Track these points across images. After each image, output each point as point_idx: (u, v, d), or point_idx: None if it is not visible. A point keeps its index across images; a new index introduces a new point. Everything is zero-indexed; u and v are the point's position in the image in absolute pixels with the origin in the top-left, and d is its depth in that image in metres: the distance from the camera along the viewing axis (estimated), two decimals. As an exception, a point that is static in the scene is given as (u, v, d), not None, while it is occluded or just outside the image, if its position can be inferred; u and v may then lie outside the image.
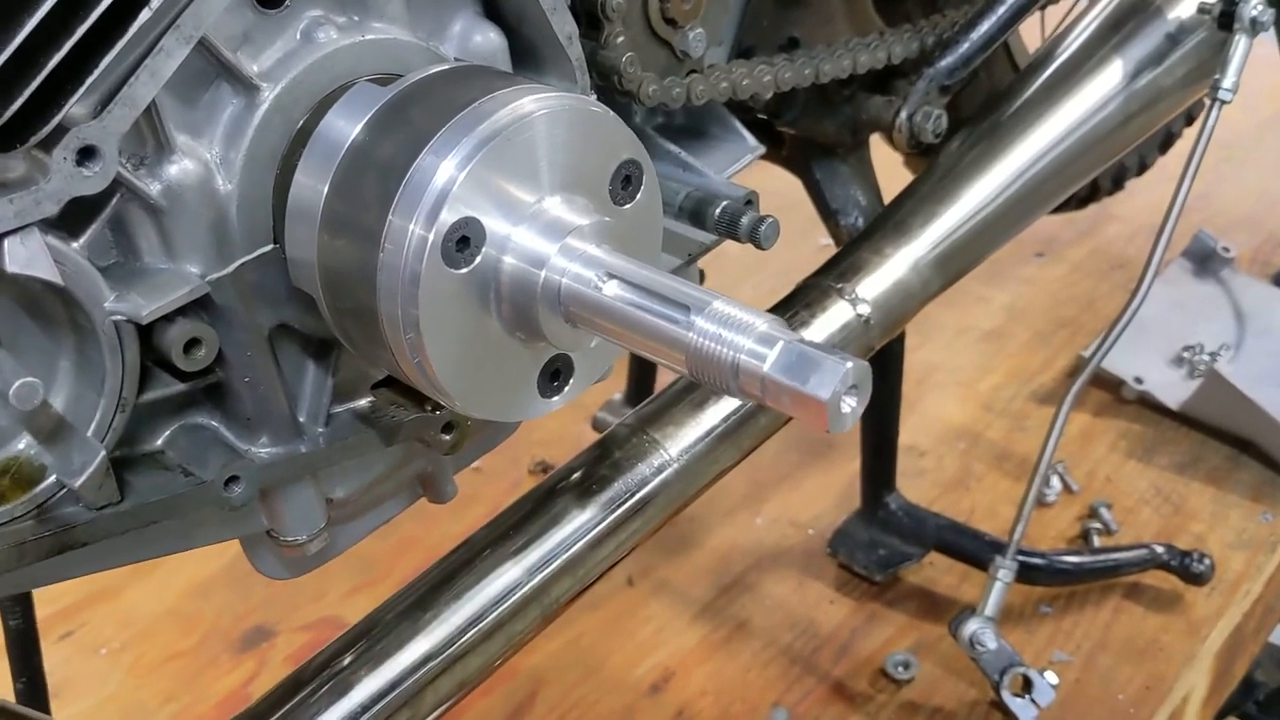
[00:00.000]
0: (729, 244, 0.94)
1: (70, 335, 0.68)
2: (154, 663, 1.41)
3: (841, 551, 1.46)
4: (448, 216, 0.63)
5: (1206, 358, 1.71)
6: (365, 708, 0.81)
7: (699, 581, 1.46)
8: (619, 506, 0.91)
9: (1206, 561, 1.37)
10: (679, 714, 1.30)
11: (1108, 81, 1.20)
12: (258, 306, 0.71)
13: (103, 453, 0.67)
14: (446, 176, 0.63)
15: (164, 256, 0.69)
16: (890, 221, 1.12)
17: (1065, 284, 2.00)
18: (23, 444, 0.67)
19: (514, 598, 0.86)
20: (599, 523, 0.90)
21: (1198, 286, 1.87)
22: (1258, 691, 1.82)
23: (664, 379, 1.52)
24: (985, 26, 1.14)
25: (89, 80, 0.61)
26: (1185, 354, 1.73)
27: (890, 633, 1.39)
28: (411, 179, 0.64)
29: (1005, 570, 1.23)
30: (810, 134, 1.23)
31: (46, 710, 1.07)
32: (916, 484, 1.56)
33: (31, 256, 0.62)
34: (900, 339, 1.33)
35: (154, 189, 0.67)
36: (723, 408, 0.95)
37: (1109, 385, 1.72)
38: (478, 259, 0.65)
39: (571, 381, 0.74)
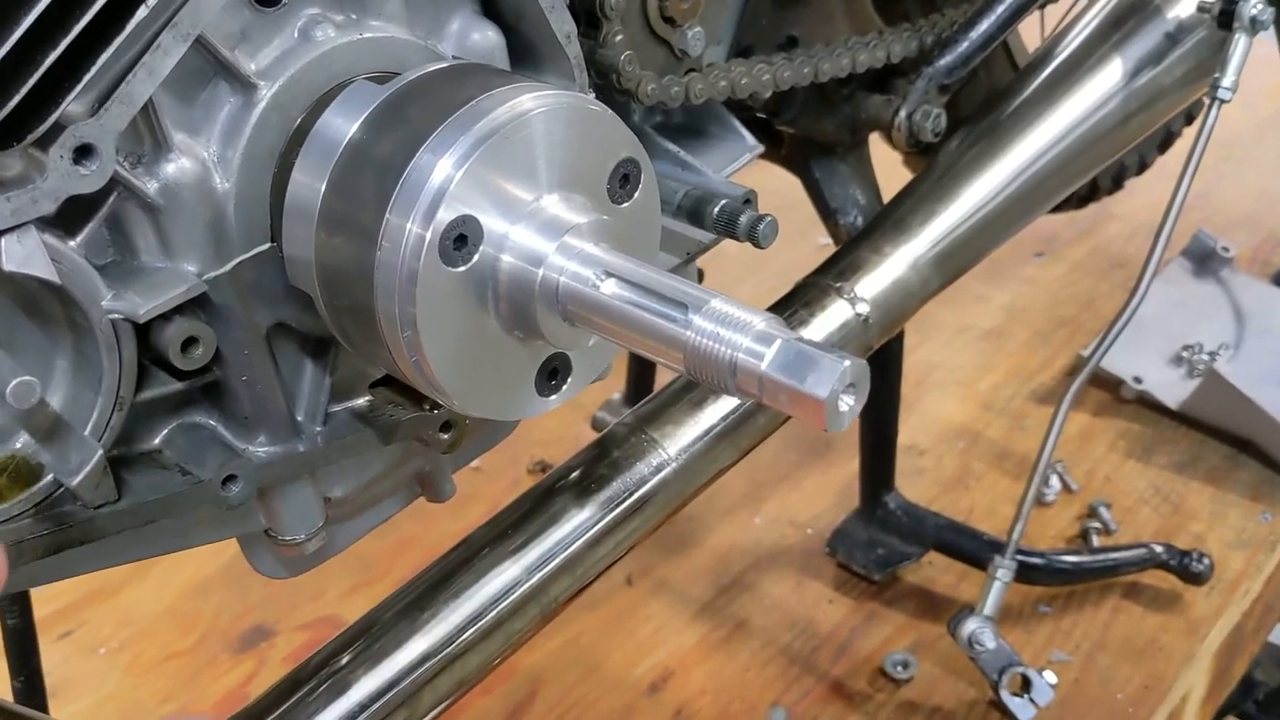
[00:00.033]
0: (728, 243, 0.94)
1: (67, 334, 0.68)
2: (152, 662, 1.41)
3: (840, 551, 1.46)
4: (445, 215, 0.63)
5: (1206, 357, 1.71)
6: (363, 707, 0.81)
7: (698, 581, 1.46)
8: (617, 505, 0.91)
9: (1205, 561, 1.37)
10: (678, 713, 1.30)
11: (1107, 80, 1.20)
12: (255, 305, 0.70)
13: (100, 451, 0.67)
14: (444, 175, 0.63)
15: (161, 255, 0.69)
16: (889, 220, 1.11)
17: (1065, 283, 2.00)
18: (20, 443, 0.67)
19: (513, 596, 0.86)
20: (597, 522, 0.90)
21: (1197, 286, 1.87)
22: (1257, 691, 1.82)
23: (663, 378, 1.52)
24: (984, 25, 1.14)
25: (86, 78, 0.61)
26: (1184, 353, 1.73)
27: (889, 632, 1.39)
28: (409, 177, 0.64)
29: (1004, 570, 1.23)
30: (809, 133, 1.22)
31: (45, 710, 1.07)
32: (915, 483, 1.56)
33: (28, 255, 0.62)
34: (899, 338, 1.33)
35: (151, 187, 0.67)
36: (721, 407, 0.95)
37: (1108, 385, 1.72)
38: (475, 257, 0.65)
39: (569, 380, 0.74)
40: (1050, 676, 1.25)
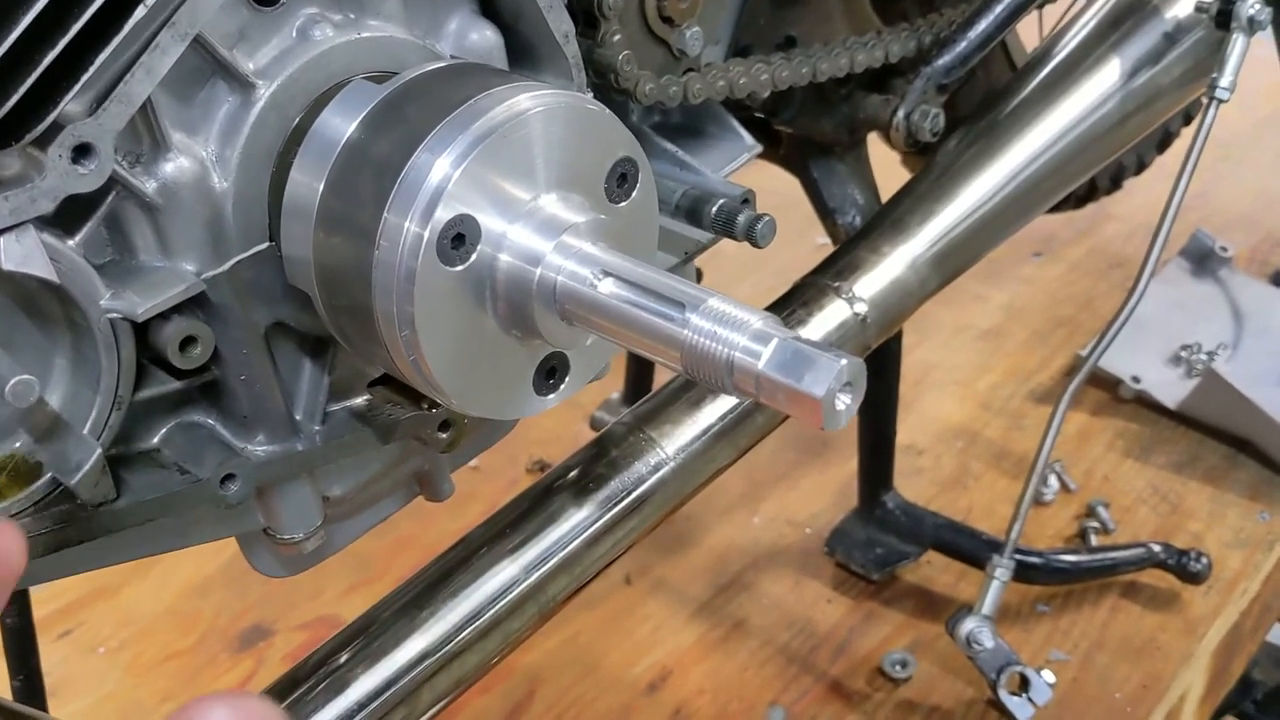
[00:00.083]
0: (727, 243, 0.94)
1: (66, 333, 0.68)
2: (152, 661, 1.41)
3: (839, 550, 1.46)
4: (443, 214, 0.63)
5: (1204, 357, 1.71)
6: (362, 705, 0.81)
7: (696, 580, 1.46)
8: (616, 504, 0.91)
9: (1204, 560, 1.37)
10: (676, 712, 1.30)
11: (1105, 80, 1.20)
12: (253, 304, 0.71)
13: (99, 450, 0.67)
14: (441, 174, 0.63)
15: (159, 254, 0.69)
16: (887, 220, 1.12)
17: (1063, 283, 2.00)
18: (19, 442, 0.67)
19: (511, 595, 0.86)
20: (596, 521, 0.90)
21: (1195, 286, 1.87)
22: (1255, 690, 1.82)
23: (661, 378, 1.52)
24: (983, 25, 1.14)
25: (84, 77, 0.61)
26: (1183, 353, 1.73)
27: (887, 631, 1.39)
28: (406, 176, 0.64)
29: (1002, 569, 1.23)
30: (808, 133, 1.23)
31: (44, 709, 1.07)
32: (914, 483, 1.56)
33: (27, 254, 0.62)
34: (898, 338, 1.33)
35: (149, 187, 0.67)
36: (719, 406, 0.96)
37: (1107, 384, 1.72)
38: (473, 256, 0.65)
39: (567, 379, 0.74)
40: (1048, 676, 1.25)
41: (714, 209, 0.92)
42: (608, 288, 0.65)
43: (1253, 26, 1.16)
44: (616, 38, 0.86)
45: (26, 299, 0.66)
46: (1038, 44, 1.29)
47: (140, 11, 0.62)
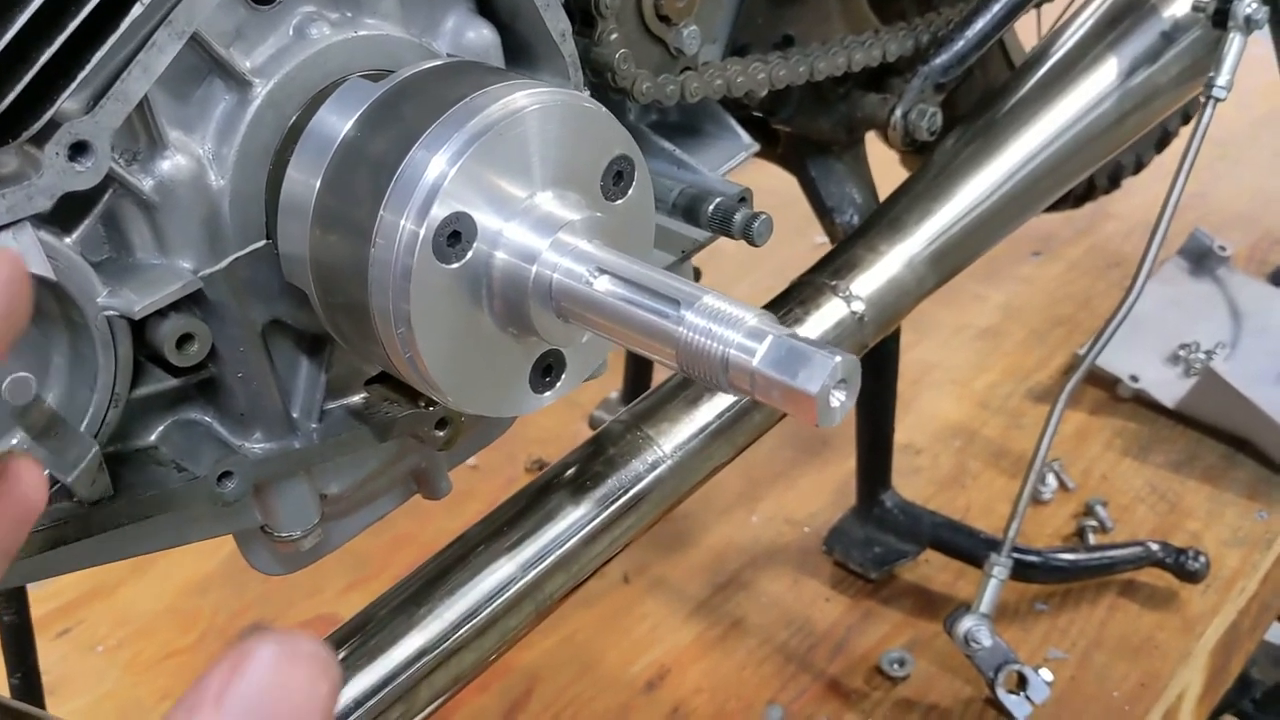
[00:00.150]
0: (726, 243, 0.95)
1: (63, 331, 0.68)
2: (151, 660, 1.41)
3: (837, 549, 1.46)
4: (439, 211, 0.63)
5: (1202, 356, 1.71)
6: (359, 703, 0.81)
7: (695, 579, 1.46)
8: (613, 502, 0.91)
9: (1202, 559, 1.37)
10: (674, 711, 1.30)
11: (1103, 79, 1.20)
12: (250, 302, 0.71)
13: (96, 448, 0.67)
14: (438, 171, 0.63)
15: (157, 252, 0.69)
16: (885, 219, 1.12)
17: (1062, 282, 2.00)
18: (16, 439, 0.67)
19: (508, 593, 0.86)
20: (593, 519, 0.90)
21: (1194, 285, 1.88)
22: (1254, 689, 1.82)
23: (660, 377, 1.52)
24: (980, 24, 1.14)
25: (81, 75, 0.61)
26: (1181, 352, 1.73)
27: (885, 630, 1.39)
28: (403, 174, 0.64)
29: (1000, 567, 1.23)
30: (805, 132, 1.23)
31: (41, 707, 1.07)
32: (912, 481, 1.57)
33: (24, 252, 0.62)
34: (896, 337, 1.33)
35: (146, 184, 0.67)
36: (717, 404, 0.96)
37: (1105, 383, 1.72)
38: (469, 254, 0.65)
39: (564, 377, 0.74)
40: (1046, 674, 1.25)
41: (711, 207, 0.92)
42: (603, 285, 0.65)
43: (1250, 25, 1.16)
44: (613, 36, 0.87)
45: (24, 296, 0.66)
46: (1036, 43, 1.29)
47: (137, 9, 0.62)
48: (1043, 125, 1.18)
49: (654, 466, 0.93)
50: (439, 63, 0.72)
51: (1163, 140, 1.67)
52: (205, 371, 0.73)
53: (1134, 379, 1.69)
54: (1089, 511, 1.53)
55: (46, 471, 0.67)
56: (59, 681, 1.36)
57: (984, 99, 1.22)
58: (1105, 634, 1.36)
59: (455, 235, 0.64)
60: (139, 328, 0.68)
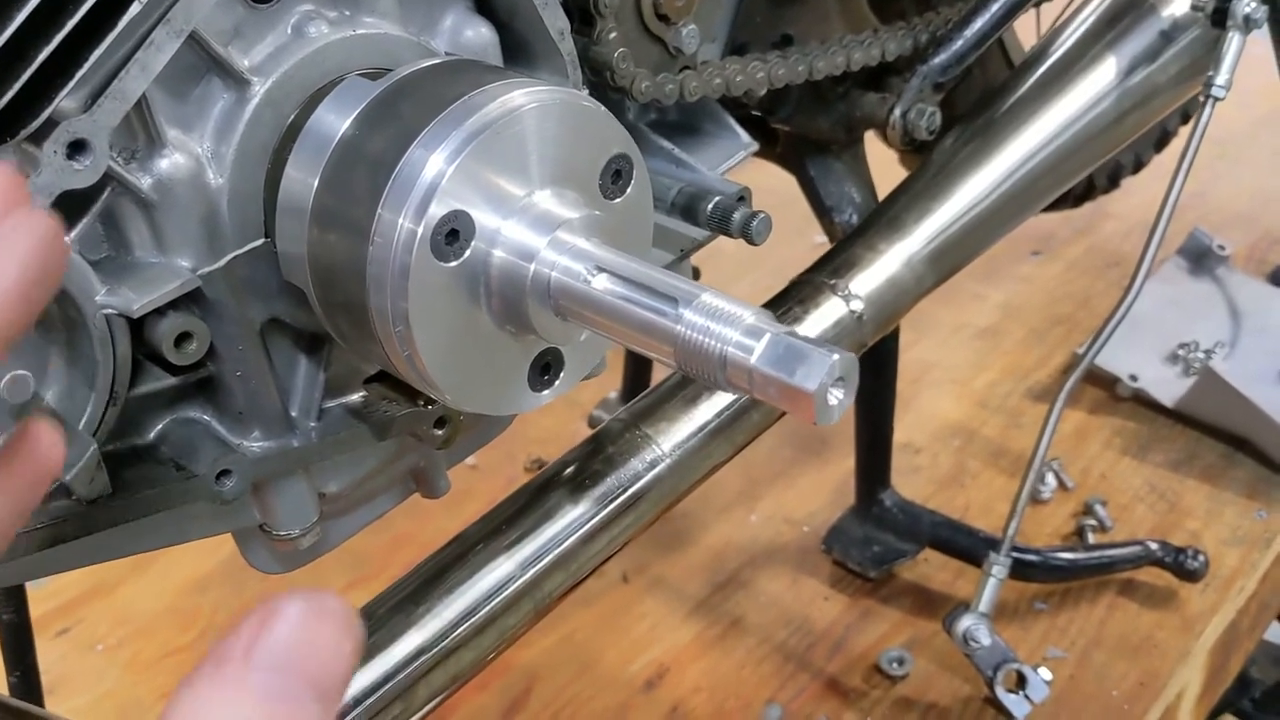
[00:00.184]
0: (725, 242, 0.95)
1: (61, 329, 0.68)
2: (151, 659, 1.41)
3: (836, 548, 1.46)
4: (437, 210, 0.63)
5: (1202, 355, 1.71)
6: (358, 701, 0.81)
7: (693, 578, 1.46)
8: (612, 501, 0.91)
9: (1201, 558, 1.37)
10: (673, 710, 1.30)
11: (1102, 78, 1.20)
12: (249, 300, 0.71)
13: (94, 446, 0.67)
14: (435, 170, 0.63)
15: (155, 250, 0.69)
16: (884, 218, 1.12)
17: (1061, 281, 2.00)
18: (14, 437, 0.67)
19: (507, 592, 0.86)
20: (592, 517, 0.90)
21: (1193, 284, 1.88)
22: (1253, 688, 1.83)
23: (659, 376, 1.52)
24: (979, 23, 1.14)
25: (79, 74, 0.61)
26: (1180, 351, 1.73)
27: (884, 629, 1.39)
28: (401, 172, 0.64)
29: (999, 567, 1.23)
30: (804, 131, 1.23)
31: (40, 706, 1.07)
32: (911, 481, 1.57)
33: (22, 250, 0.62)
34: (895, 336, 1.33)
35: (145, 183, 0.67)
36: (715, 403, 0.96)
37: (1104, 383, 1.72)
38: (467, 252, 0.65)
39: (562, 375, 0.74)
40: (1045, 673, 1.26)
41: (710, 206, 0.92)
42: (601, 283, 0.65)
43: (1249, 25, 1.16)
44: (612, 35, 0.87)
45: (22, 295, 0.66)
46: (1035, 42, 1.29)
47: (135, 8, 0.62)
48: (1042, 124, 1.18)
49: (653, 465, 0.93)
50: (437, 61, 0.72)
51: (1162, 140, 1.67)
52: (204, 370, 0.73)
53: (1133, 378, 1.69)
54: (1088, 510, 1.53)
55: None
56: (58, 681, 1.36)
57: (983, 98, 1.22)
58: (1104, 633, 1.36)
59: (453, 233, 0.64)
60: (137, 326, 0.68)
